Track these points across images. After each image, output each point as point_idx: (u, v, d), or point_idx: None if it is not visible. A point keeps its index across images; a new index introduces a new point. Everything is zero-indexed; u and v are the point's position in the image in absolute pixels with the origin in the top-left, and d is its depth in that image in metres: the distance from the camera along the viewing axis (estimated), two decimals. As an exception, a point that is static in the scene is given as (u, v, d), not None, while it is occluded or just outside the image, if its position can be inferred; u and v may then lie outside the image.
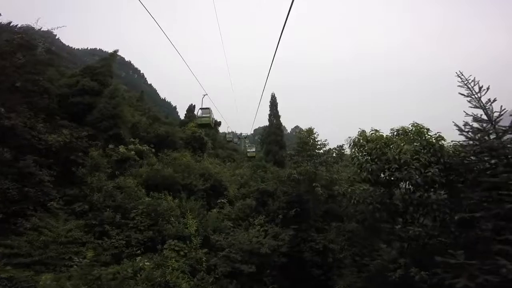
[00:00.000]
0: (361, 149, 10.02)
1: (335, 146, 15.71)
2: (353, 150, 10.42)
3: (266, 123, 45.12)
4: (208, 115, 13.96)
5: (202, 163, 24.14)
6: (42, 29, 20.68)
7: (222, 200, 17.10)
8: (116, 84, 27.91)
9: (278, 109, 42.92)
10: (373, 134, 10.15)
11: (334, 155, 15.40)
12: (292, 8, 4.82)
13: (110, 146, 20.35)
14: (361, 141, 10.14)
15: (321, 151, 15.79)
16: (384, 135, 10.06)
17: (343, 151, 15.46)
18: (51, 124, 18.98)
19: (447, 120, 8.93)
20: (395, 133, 10.11)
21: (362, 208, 8.96)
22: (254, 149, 36.61)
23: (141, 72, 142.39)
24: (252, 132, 63.14)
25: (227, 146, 47.58)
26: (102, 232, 11.93)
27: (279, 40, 6.05)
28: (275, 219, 16.67)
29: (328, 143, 16.09)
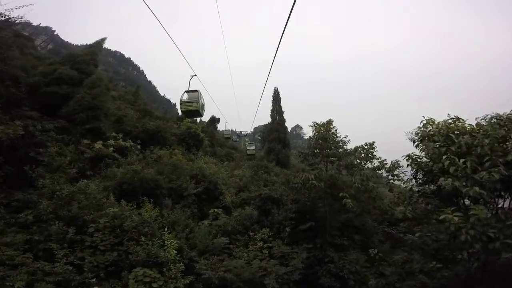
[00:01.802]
0: (447, 145, 6.41)
1: (362, 144, 12.21)
2: (424, 147, 6.91)
3: (266, 121, 42.05)
4: (196, 99, 10.52)
5: (196, 163, 21.01)
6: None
7: (216, 210, 13.84)
8: (99, 73, 24.83)
9: (281, 104, 39.66)
10: (453, 125, 6.75)
11: (362, 155, 11.95)
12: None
13: (85, 141, 17.24)
14: (449, 133, 6.37)
15: (340, 150, 12.38)
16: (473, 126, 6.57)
17: (372, 150, 12.01)
18: (12, 115, 15.95)
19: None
20: (483, 122, 6.76)
21: (478, 247, 5.43)
22: (253, 147, 34.47)
23: (141, 69, 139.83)
24: (252, 130, 59.84)
25: (226, 144, 44.44)
26: (47, 251, 8.82)
27: (281, 39, 5.85)
28: (281, 232, 13.44)
29: (349, 140, 12.75)
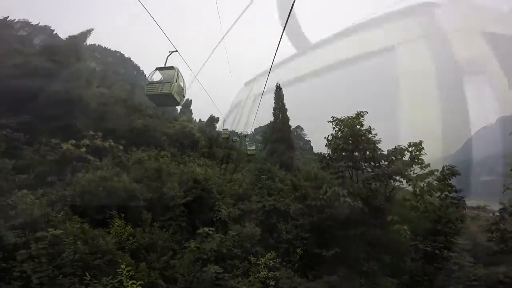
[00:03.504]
0: None
1: (405, 145, 9.10)
2: None
3: (266, 122, 39.19)
4: (170, 80, 7.11)
5: (188, 166, 18.13)
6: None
7: (206, 229, 10.86)
8: (80, 65, 22.08)
9: (284, 102, 36.64)
10: None
11: (407, 159, 8.86)
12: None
13: (53, 140, 14.44)
14: None
15: (371, 151, 9.31)
16: None
17: (418, 153, 8.87)
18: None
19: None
20: None
21: None
22: (254, 147, 31.83)
23: (141, 69, 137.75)
24: (253, 131, 56.84)
25: (226, 145, 41.54)
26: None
27: (280, 42, 5.71)
28: (290, 254, 10.54)
29: (379, 140, 9.63)
